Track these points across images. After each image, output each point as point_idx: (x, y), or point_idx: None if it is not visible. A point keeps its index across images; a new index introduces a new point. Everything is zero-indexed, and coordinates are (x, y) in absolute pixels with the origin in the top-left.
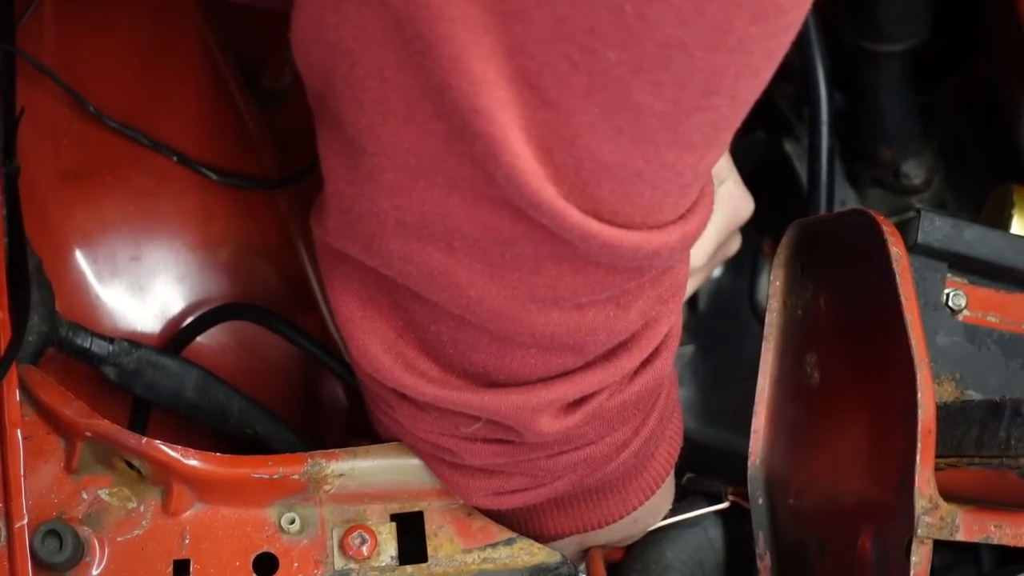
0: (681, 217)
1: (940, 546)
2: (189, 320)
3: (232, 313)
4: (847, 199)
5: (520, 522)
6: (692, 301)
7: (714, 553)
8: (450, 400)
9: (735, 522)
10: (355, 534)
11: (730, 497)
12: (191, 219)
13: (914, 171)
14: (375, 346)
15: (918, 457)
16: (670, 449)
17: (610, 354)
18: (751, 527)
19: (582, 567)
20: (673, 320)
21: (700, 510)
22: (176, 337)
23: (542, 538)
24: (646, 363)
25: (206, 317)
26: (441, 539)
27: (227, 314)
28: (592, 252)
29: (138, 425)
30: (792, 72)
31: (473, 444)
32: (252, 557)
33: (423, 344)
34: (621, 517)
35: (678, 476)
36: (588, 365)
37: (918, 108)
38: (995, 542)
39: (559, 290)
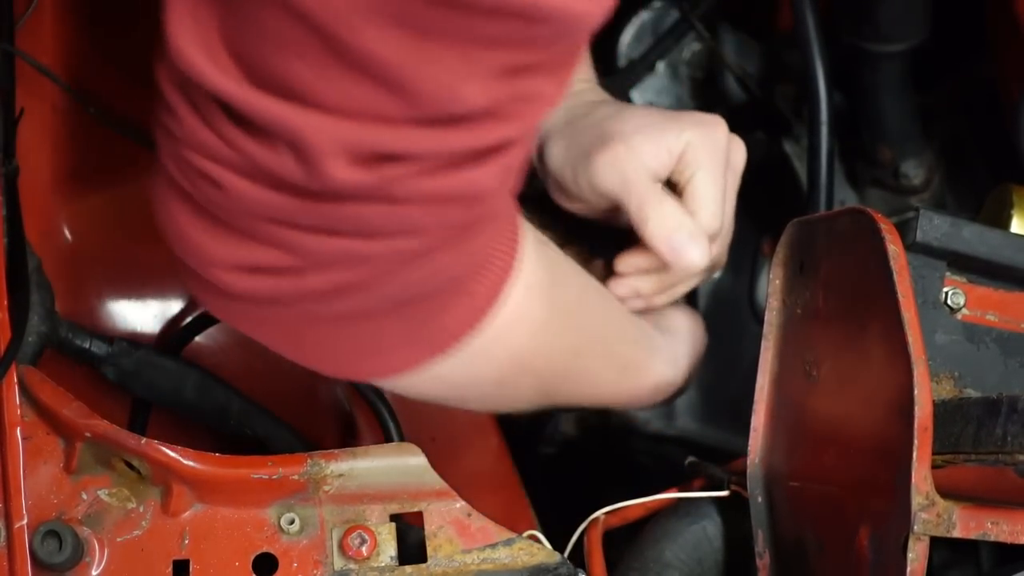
0: None
1: (939, 544)
2: (188, 320)
3: None
4: (847, 199)
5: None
6: (692, 301)
7: (713, 551)
8: (246, 104)
9: (734, 520)
10: (354, 534)
11: (731, 487)
12: None
13: (913, 171)
14: (185, 30)
15: (915, 454)
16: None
17: (437, 121)
18: (750, 525)
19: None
20: (524, 136)
21: (701, 493)
22: (175, 337)
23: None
24: (474, 159)
25: (205, 317)
26: (440, 539)
27: None
28: None
29: (137, 425)
30: (792, 72)
31: (242, 180)
32: (252, 557)
33: (241, 38)
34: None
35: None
36: (409, 121)
37: (917, 108)
38: (992, 539)
39: (410, 6)
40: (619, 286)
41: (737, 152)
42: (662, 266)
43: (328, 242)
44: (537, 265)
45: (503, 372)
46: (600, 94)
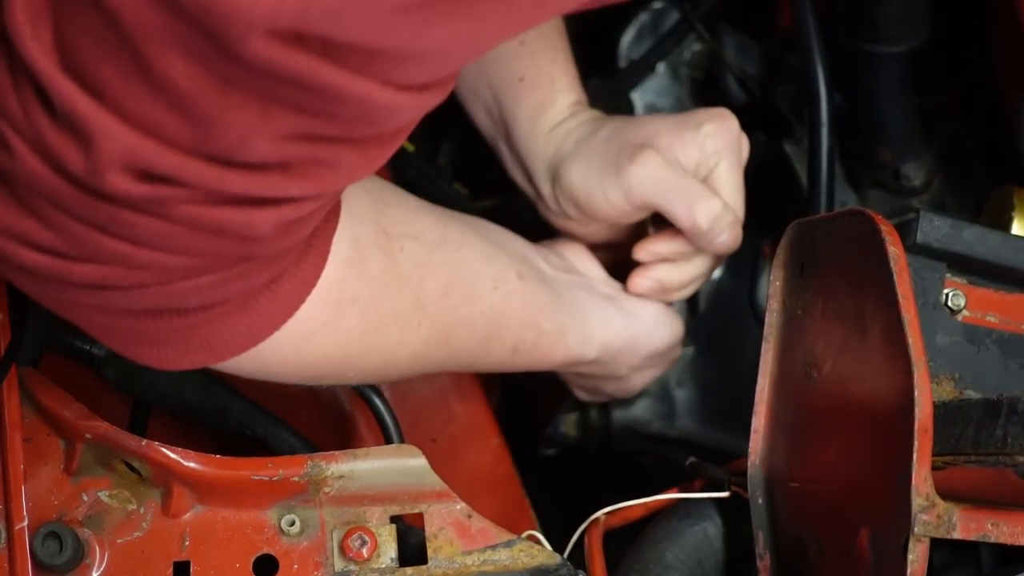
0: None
1: (940, 545)
2: None
3: None
4: (847, 200)
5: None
6: (692, 302)
7: (713, 552)
8: (51, 85)
9: (734, 521)
10: (355, 536)
11: (732, 488)
12: None
13: (914, 172)
14: None
15: (915, 456)
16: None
17: (221, 160)
18: (750, 526)
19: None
20: (316, 196)
21: (702, 494)
22: None
23: None
24: (252, 203)
25: None
26: (441, 541)
27: None
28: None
29: (138, 426)
30: (792, 73)
31: (33, 156)
32: (252, 559)
33: (66, 25)
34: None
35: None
36: (193, 151)
37: (918, 109)
38: (992, 540)
39: (215, 55)
40: (643, 279)
41: (745, 143)
42: (684, 254)
43: (99, 238)
44: (360, 277)
45: (310, 370)
46: (593, 113)
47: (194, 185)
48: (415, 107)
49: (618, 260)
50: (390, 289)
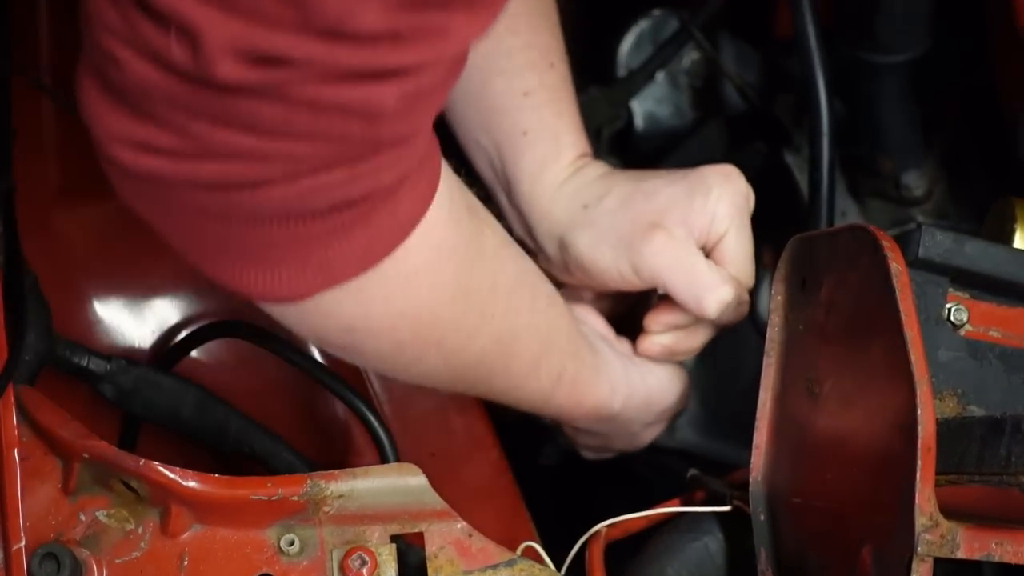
0: None
1: (943, 560)
2: (184, 333)
3: (230, 331)
4: (848, 210)
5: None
6: None
7: (715, 569)
8: None
9: (736, 537)
10: (355, 556)
11: (734, 502)
12: None
13: (915, 182)
14: None
15: (918, 474)
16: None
17: (329, 33)
18: (752, 543)
19: None
20: (428, 65)
21: (703, 508)
22: (170, 351)
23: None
24: (371, 77)
25: (201, 333)
26: (441, 560)
27: (224, 331)
28: None
29: (127, 443)
30: (792, 82)
31: (140, 61)
32: None
33: None
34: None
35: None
36: (301, 28)
37: (919, 119)
38: (996, 559)
39: None
40: (651, 345)
41: (751, 197)
42: (693, 322)
43: (221, 132)
44: (456, 232)
45: (401, 330)
46: (597, 169)
47: (306, 62)
48: None
49: (616, 313)
50: (476, 262)
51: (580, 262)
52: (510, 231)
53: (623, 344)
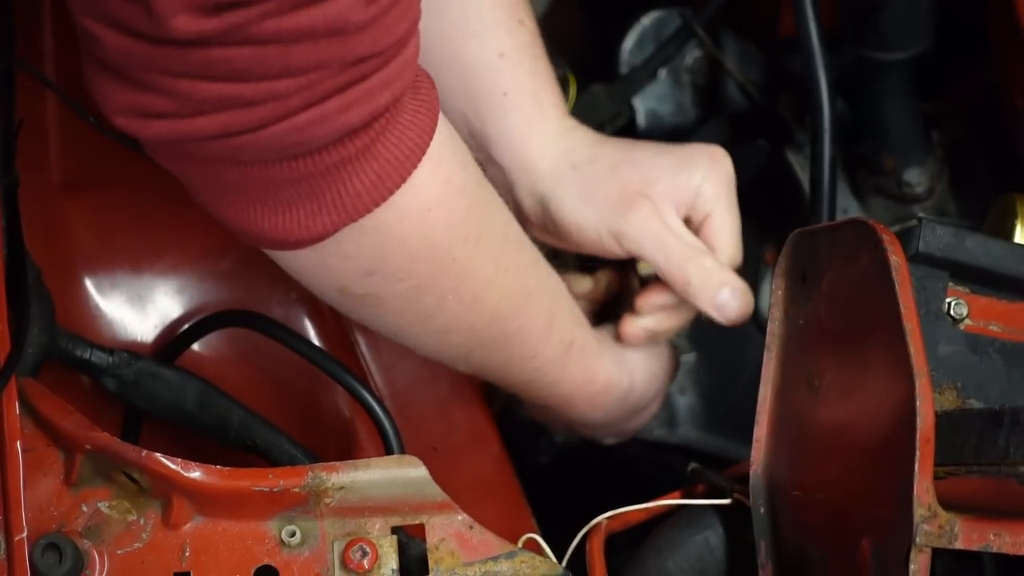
0: None
1: (943, 553)
2: (187, 325)
3: (233, 320)
4: (849, 208)
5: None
6: None
7: (715, 561)
8: None
9: (736, 529)
10: (356, 547)
11: (734, 495)
12: (192, 229)
13: (917, 179)
14: None
15: (917, 466)
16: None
17: None
18: (753, 536)
19: None
20: None
21: (704, 501)
22: (173, 342)
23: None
24: None
25: (205, 323)
26: (442, 552)
27: (227, 321)
28: None
29: (129, 436)
30: (794, 80)
31: (111, 32)
32: (253, 570)
33: None
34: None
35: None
36: None
37: (921, 116)
38: (994, 550)
39: None
40: (635, 326)
41: (736, 178)
42: (680, 303)
43: (204, 86)
44: (463, 172)
45: (418, 273)
46: (585, 133)
47: None
48: None
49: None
50: (488, 207)
51: (562, 220)
52: None
53: (602, 332)
